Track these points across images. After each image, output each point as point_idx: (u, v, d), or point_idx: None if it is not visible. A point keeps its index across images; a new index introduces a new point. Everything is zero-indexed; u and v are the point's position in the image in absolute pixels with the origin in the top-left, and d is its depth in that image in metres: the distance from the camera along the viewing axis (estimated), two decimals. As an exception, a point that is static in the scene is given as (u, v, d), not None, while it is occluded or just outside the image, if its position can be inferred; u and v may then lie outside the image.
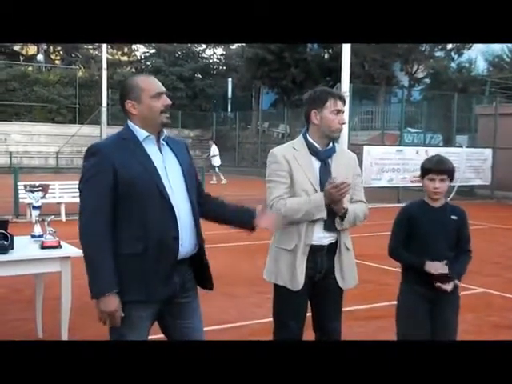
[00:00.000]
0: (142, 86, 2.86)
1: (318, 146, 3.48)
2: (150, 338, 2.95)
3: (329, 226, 3.40)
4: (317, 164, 3.47)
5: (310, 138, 3.50)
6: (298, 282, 3.38)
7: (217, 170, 24.81)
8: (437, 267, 3.36)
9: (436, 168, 3.44)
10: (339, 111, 3.45)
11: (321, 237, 3.41)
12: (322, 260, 3.42)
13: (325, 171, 3.45)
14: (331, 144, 3.52)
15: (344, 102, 3.49)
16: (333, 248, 3.45)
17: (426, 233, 3.45)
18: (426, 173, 3.47)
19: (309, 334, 3.56)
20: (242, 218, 3.12)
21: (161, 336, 3.11)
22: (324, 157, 3.48)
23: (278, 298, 3.53)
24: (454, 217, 3.49)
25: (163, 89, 2.91)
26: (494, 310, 6.33)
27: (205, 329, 3.10)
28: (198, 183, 3.12)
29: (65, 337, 4.51)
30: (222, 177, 24.15)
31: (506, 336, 5.35)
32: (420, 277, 3.42)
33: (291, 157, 3.44)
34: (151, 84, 2.88)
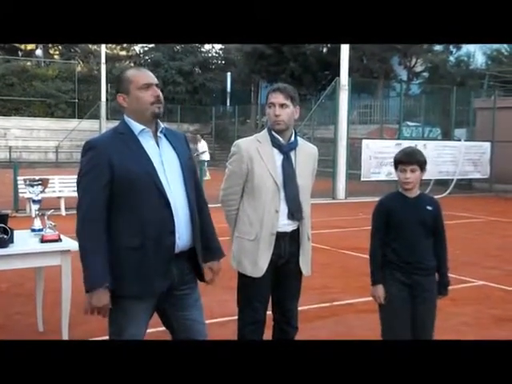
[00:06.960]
0: (130, 79, 2.86)
1: (280, 139, 3.55)
2: (151, 330, 2.96)
3: (292, 214, 3.52)
4: (279, 157, 3.54)
5: (273, 131, 3.57)
6: (261, 268, 3.49)
7: (205, 164, 24.60)
8: (379, 296, 3.57)
9: (406, 159, 3.53)
10: (272, 104, 3.50)
11: (285, 224, 3.53)
12: (285, 246, 3.55)
13: (288, 164, 3.54)
14: (293, 137, 3.58)
15: (282, 93, 3.48)
16: (295, 235, 3.57)
17: (403, 222, 3.53)
18: (398, 164, 3.56)
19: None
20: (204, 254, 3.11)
21: (162, 329, 3.13)
22: (287, 150, 3.55)
23: (241, 283, 3.63)
24: (429, 207, 3.59)
25: (152, 80, 2.88)
26: (494, 302, 6.33)
27: (205, 321, 3.10)
28: (197, 184, 3.09)
29: (65, 330, 4.52)
30: (208, 173, 23.96)
31: (508, 329, 5.37)
32: (399, 264, 3.53)
33: (254, 150, 3.52)
34: (139, 76, 2.87)
